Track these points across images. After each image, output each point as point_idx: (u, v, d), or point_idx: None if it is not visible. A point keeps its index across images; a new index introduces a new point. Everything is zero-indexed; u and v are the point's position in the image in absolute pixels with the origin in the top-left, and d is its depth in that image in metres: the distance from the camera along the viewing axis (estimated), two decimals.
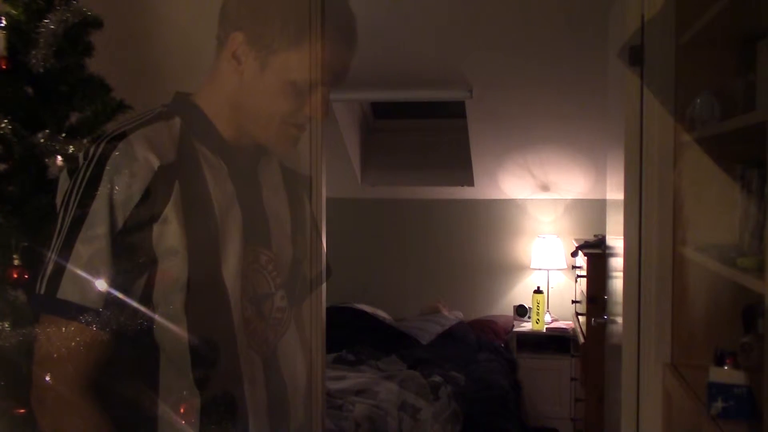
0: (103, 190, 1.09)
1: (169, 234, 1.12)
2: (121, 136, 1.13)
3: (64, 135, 1.63)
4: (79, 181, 1.12)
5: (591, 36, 3.39)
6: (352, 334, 4.52)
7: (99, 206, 1.09)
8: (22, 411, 1.20)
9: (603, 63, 3.00)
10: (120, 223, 1.10)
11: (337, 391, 3.64)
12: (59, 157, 1.58)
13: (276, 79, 1.20)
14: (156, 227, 1.12)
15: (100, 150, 1.12)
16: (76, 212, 1.10)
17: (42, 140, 1.58)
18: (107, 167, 1.10)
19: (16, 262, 1.54)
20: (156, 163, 1.12)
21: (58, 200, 1.17)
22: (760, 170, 1.80)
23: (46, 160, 1.59)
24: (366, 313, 4.84)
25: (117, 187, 1.10)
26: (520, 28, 3.63)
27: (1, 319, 1.49)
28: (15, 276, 1.53)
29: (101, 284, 1.09)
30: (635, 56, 2.25)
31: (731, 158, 2.02)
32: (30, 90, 1.64)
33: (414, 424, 3.55)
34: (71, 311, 1.09)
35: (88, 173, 1.11)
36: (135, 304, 1.13)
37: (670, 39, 2.16)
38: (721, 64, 2.09)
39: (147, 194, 1.11)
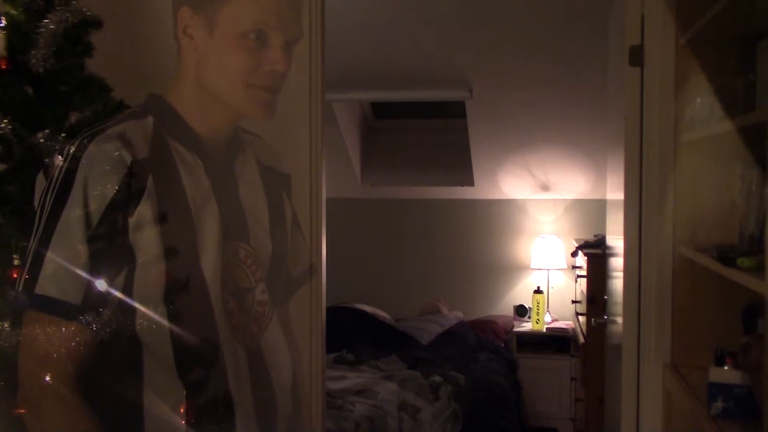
0: (77, 188, 1.11)
1: (145, 229, 1.13)
2: (93, 135, 1.14)
3: (64, 135, 1.63)
4: (54, 181, 1.13)
5: (591, 36, 3.39)
6: (352, 334, 4.52)
7: (74, 204, 1.11)
8: (22, 411, 1.20)
9: (603, 63, 3.00)
10: (95, 219, 1.11)
11: (337, 391, 3.64)
12: (59, 157, 1.58)
13: (225, 35, 1.21)
14: (132, 222, 1.12)
15: (73, 149, 1.13)
16: (53, 211, 1.12)
17: (42, 140, 1.58)
18: (81, 166, 1.12)
19: (16, 262, 1.54)
20: (129, 159, 1.13)
21: (36, 200, 1.18)
22: (760, 170, 1.80)
23: (46, 160, 1.59)
24: (366, 313, 4.84)
25: (91, 184, 1.11)
26: (520, 28, 3.63)
27: (1, 319, 1.49)
28: (15, 276, 1.53)
29: (80, 279, 1.10)
30: (635, 56, 2.25)
31: (731, 158, 2.02)
32: (30, 90, 1.64)
33: (414, 424, 3.55)
34: (51, 306, 1.10)
35: (62, 173, 1.13)
36: (117, 296, 1.13)
37: (670, 39, 2.16)
38: (721, 64, 2.09)
39: (121, 190, 1.12)
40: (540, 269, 4.96)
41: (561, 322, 4.93)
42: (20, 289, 1.12)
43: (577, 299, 4.39)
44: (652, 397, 2.21)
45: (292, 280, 1.47)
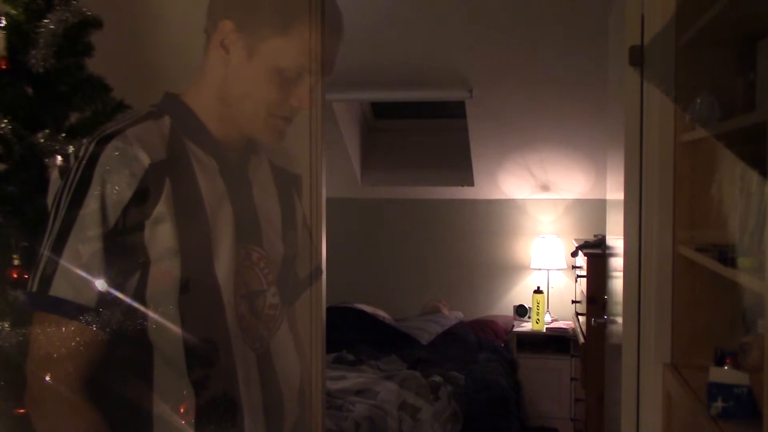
0: (94, 189, 1.10)
1: (161, 232, 1.13)
2: (111, 135, 1.13)
3: (64, 135, 1.63)
4: (70, 181, 1.12)
5: (591, 36, 3.39)
6: (352, 334, 4.52)
7: (90, 205, 1.10)
8: (22, 411, 1.21)
9: (603, 63, 3.00)
10: (112, 221, 1.10)
11: (337, 391, 3.64)
12: (59, 157, 1.58)
13: (263, 66, 1.20)
14: (148, 225, 1.12)
15: (90, 150, 1.12)
16: (68, 212, 1.11)
17: (42, 140, 1.58)
18: (98, 166, 1.10)
19: (16, 262, 1.55)
20: (147, 161, 1.12)
21: (50, 200, 1.17)
22: (760, 170, 1.80)
23: (46, 160, 1.59)
24: (366, 313, 4.84)
25: (108, 186, 1.10)
26: (520, 28, 3.64)
27: (1, 319, 1.49)
28: (15, 276, 1.53)
29: (94, 281, 1.09)
30: (635, 56, 2.25)
31: (731, 158, 2.02)
32: (30, 90, 1.64)
33: (414, 424, 3.55)
34: (65, 308, 1.09)
35: (78, 173, 1.12)
36: (129, 302, 1.13)
37: (670, 39, 2.16)
38: (721, 64, 2.09)
39: (138, 192, 1.11)
40: (540, 269, 4.96)
41: (561, 322, 4.93)
42: (33, 290, 1.11)
43: (577, 299, 4.39)
44: (652, 397, 2.21)
45: (300, 281, 1.47)
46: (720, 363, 1.79)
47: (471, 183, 5.01)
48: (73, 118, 1.70)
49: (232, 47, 1.20)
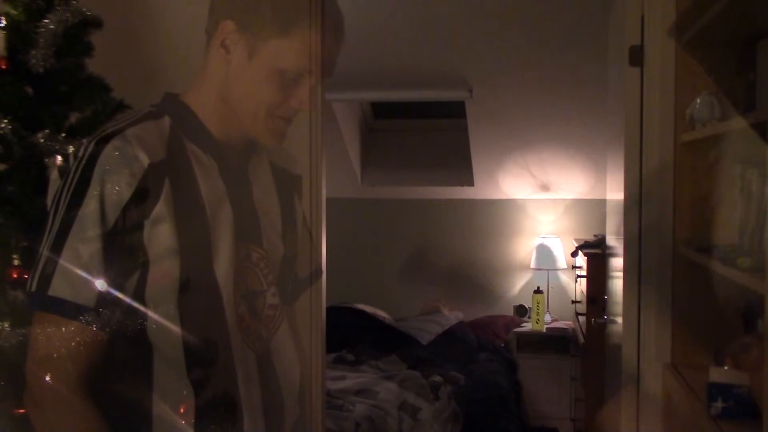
0: (93, 189, 1.10)
1: (160, 232, 1.13)
2: (111, 135, 1.13)
3: (64, 135, 1.63)
4: (69, 181, 1.12)
5: (591, 36, 3.39)
6: (352, 334, 4.52)
7: (90, 205, 1.10)
8: (22, 411, 1.21)
9: (603, 63, 3.00)
10: (111, 221, 1.10)
11: (337, 391, 3.64)
12: (59, 157, 1.59)
13: (264, 67, 1.20)
14: (147, 225, 1.12)
15: (89, 150, 1.12)
16: (67, 212, 1.11)
17: (42, 140, 1.58)
18: (97, 166, 1.10)
19: (16, 262, 1.55)
20: (146, 161, 1.12)
21: (49, 200, 1.17)
22: (760, 170, 1.80)
23: (46, 160, 1.59)
24: (366, 313, 4.84)
25: (108, 186, 1.10)
26: (520, 28, 3.64)
27: (1, 319, 1.49)
28: (15, 276, 1.54)
29: (93, 281, 1.09)
30: (635, 56, 2.25)
31: (731, 158, 2.02)
32: (30, 90, 1.65)
33: (414, 424, 3.55)
34: (64, 308, 1.09)
35: (78, 173, 1.12)
36: (128, 302, 1.13)
37: (670, 39, 2.16)
38: (721, 64, 2.09)
39: (138, 192, 1.11)
40: (540, 269, 4.96)
41: (561, 322, 4.93)
42: (33, 289, 1.11)
43: (577, 299, 4.39)
44: (652, 397, 2.21)
45: (300, 281, 1.47)
46: (720, 363, 1.79)
47: (471, 183, 5.01)
48: (73, 118, 1.70)
49: (233, 48, 1.20)
